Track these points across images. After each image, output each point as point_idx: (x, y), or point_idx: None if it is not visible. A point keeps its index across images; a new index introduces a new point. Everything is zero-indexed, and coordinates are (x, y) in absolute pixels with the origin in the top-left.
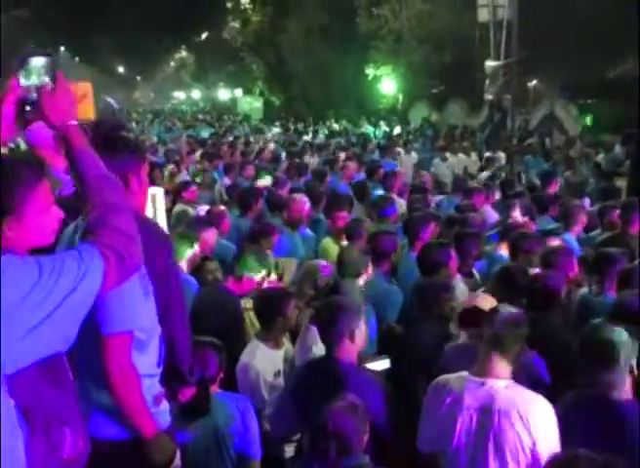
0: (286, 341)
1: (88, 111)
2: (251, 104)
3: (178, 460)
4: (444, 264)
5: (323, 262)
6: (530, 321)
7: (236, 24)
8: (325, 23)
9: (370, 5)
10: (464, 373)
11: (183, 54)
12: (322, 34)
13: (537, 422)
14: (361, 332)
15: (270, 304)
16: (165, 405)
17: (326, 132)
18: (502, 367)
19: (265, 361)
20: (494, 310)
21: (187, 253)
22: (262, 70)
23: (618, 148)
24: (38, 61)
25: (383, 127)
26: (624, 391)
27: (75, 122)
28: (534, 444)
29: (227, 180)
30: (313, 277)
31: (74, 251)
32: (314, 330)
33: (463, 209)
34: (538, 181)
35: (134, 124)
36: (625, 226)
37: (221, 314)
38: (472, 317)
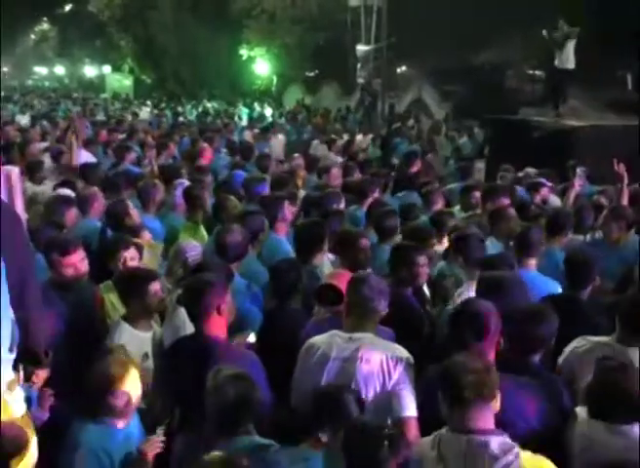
0: (155, 324)
1: None
2: (120, 82)
3: (34, 449)
4: (319, 243)
5: (192, 243)
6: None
7: None
8: None
9: None
10: (334, 331)
11: (45, 26)
12: (193, 10)
13: (396, 367)
14: (228, 306)
15: (131, 284)
16: (19, 391)
17: (198, 111)
18: (367, 324)
19: (131, 343)
20: (356, 279)
21: None
22: (132, 46)
23: (477, 132)
24: None
25: (258, 108)
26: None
27: None
28: (393, 386)
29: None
30: (182, 257)
31: None
32: (182, 310)
33: (323, 188)
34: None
35: None
36: (485, 207)
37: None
38: (329, 294)
